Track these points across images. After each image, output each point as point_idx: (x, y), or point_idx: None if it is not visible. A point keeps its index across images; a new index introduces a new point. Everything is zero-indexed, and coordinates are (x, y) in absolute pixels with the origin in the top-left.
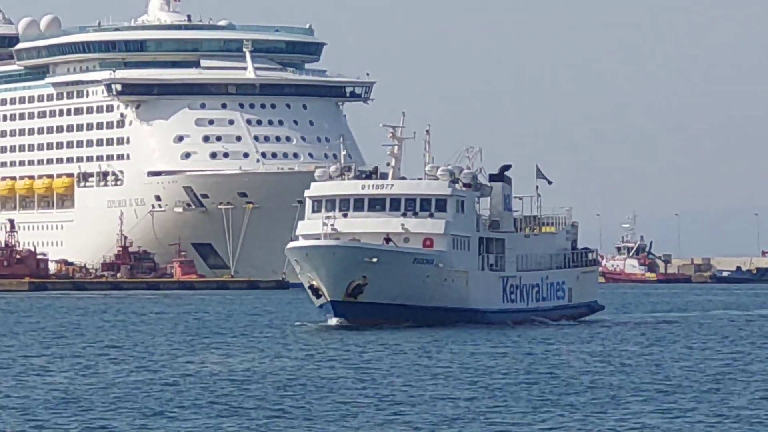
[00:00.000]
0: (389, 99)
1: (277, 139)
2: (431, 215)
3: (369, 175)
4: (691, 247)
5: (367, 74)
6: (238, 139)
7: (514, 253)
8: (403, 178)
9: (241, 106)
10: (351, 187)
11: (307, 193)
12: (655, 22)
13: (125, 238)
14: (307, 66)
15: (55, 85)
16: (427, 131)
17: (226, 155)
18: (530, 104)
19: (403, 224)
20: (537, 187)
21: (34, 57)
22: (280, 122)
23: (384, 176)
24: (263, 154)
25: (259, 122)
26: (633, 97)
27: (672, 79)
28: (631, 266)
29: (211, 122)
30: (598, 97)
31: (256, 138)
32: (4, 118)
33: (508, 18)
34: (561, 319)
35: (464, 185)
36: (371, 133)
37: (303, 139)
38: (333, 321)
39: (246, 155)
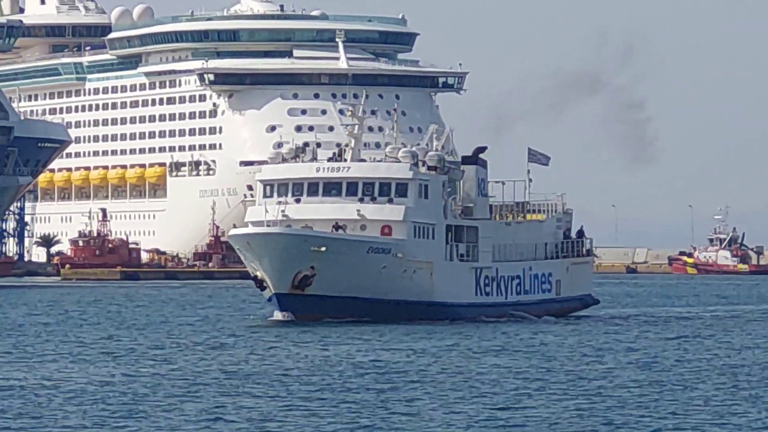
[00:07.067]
0: (482, 89)
1: (370, 129)
2: (390, 200)
3: (333, 158)
4: None
5: (460, 65)
6: (331, 129)
7: (489, 242)
8: (363, 161)
9: (334, 96)
10: (305, 170)
11: (258, 176)
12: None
13: (217, 227)
14: (400, 56)
15: (147, 74)
16: (395, 109)
17: (318, 145)
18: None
19: (359, 210)
20: (528, 171)
21: (127, 46)
22: (373, 112)
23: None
24: None
25: None
26: (724, 87)
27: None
28: (724, 258)
29: (303, 112)
30: (684, 89)
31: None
32: (97, 107)
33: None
34: (546, 314)
35: (429, 168)
36: (464, 124)
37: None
38: (278, 315)
39: (338, 145)
